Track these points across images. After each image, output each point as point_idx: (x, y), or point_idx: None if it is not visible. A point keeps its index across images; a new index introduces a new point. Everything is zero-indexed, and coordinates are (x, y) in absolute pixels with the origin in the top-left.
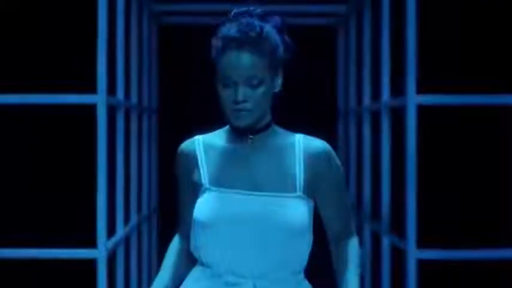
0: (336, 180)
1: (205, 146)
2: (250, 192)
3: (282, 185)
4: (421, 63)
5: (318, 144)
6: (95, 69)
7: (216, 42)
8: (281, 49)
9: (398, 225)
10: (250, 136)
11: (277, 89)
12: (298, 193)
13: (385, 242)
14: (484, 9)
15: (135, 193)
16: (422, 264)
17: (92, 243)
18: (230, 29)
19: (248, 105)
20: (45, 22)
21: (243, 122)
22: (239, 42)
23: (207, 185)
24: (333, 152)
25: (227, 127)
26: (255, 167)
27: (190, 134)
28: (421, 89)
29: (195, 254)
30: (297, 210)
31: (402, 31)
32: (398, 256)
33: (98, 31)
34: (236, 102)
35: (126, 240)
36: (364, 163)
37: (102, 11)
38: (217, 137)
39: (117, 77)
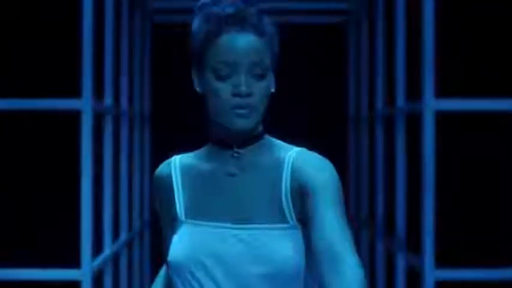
0: (329, 194)
1: (182, 168)
2: (234, 226)
3: (271, 213)
4: (439, 64)
5: (309, 156)
6: (79, 71)
7: (203, 25)
8: (276, 37)
9: (414, 242)
10: (236, 150)
11: (272, 90)
12: (291, 222)
13: (400, 261)
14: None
15: (125, 207)
16: (440, 284)
17: (76, 263)
18: (225, 7)
19: (252, 100)
20: (24, 17)
21: (245, 122)
22: (240, 22)
23: (182, 218)
24: (327, 164)
25: (206, 146)
26: (240, 191)
27: (186, 143)
28: (439, 93)
29: None
30: (290, 247)
31: (419, 29)
32: (415, 276)
33: (83, 28)
34: (238, 95)
35: (115, 258)
36: (377, 174)
37: (88, 5)
38: (197, 157)
39: (105, 80)
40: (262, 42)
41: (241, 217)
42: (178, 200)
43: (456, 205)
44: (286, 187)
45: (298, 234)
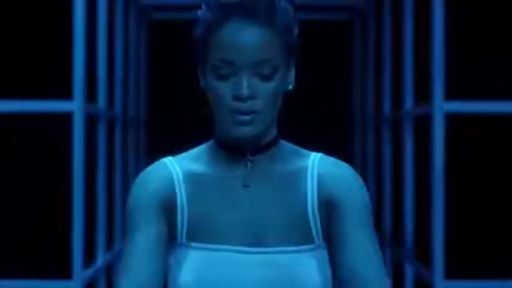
0: (359, 212)
1: (184, 174)
2: (249, 249)
3: (294, 232)
4: (449, 65)
5: (334, 164)
6: (71, 71)
7: (206, 14)
8: (296, 30)
9: (423, 252)
10: (249, 158)
11: (290, 87)
12: (317, 242)
13: (408, 271)
14: None
15: (119, 214)
16: None
17: (67, 273)
18: None
19: (256, 104)
20: (12, 15)
21: (246, 130)
22: (246, 10)
23: (184, 240)
24: (356, 177)
25: (209, 145)
26: (256, 206)
27: (183, 148)
28: (449, 95)
29: None
30: (320, 272)
31: (428, 27)
32: (424, 287)
33: (74, 25)
34: (239, 99)
35: (108, 269)
36: (384, 180)
37: (79, 2)
38: (198, 162)
39: (98, 81)
40: (272, 34)
41: (258, 238)
42: (182, 216)
43: (467, 212)
44: (312, 201)
45: (325, 254)
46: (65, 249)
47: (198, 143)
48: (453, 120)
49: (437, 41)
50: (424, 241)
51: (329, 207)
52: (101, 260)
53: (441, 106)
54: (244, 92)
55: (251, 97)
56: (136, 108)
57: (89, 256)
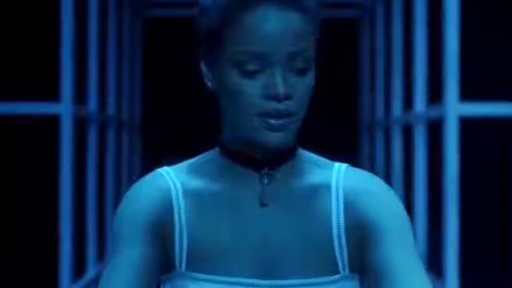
0: (400, 230)
1: (185, 192)
2: (260, 282)
3: (314, 262)
4: (464, 65)
5: (362, 177)
6: (59, 72)
7: (219, 2)
8: (319, 16)
9: (435, 263)
10: (268, 172)
11: (313, 83)
12: (342, 273)
13: None
14: None
15: (111, 224)
16: None
17: (54, 286)
18: None
19: (291, 105)
20: None
21: (280, 137)
22: None
23: (183, 269)
24: (390, 190)
25: (213, 154)
26: (269, 230)
27: (182, 155)
28: (463, 96)
29: None
30: None
31: (441, 24)
32: None
33: (62, 22)
34: (273, 99)
35: None
36: (394, 186)
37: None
38: (200, 174)
39: (89, 82)
40: (302, 21)
41: (272, 267)
42: (180, 241)
43: (482, 221)
44: (338, 225)
45: (354, 284)
46: (53, 261)
47: (197, 146)
48: (467, 123)
49: (451, 38)
50: (436, 252)
51: (363, 230)
52: (91, 272)
53: (455, 108)
54: (280, 90)
55: (287, 96)
56: (131, 110)
57: (79, 268)
